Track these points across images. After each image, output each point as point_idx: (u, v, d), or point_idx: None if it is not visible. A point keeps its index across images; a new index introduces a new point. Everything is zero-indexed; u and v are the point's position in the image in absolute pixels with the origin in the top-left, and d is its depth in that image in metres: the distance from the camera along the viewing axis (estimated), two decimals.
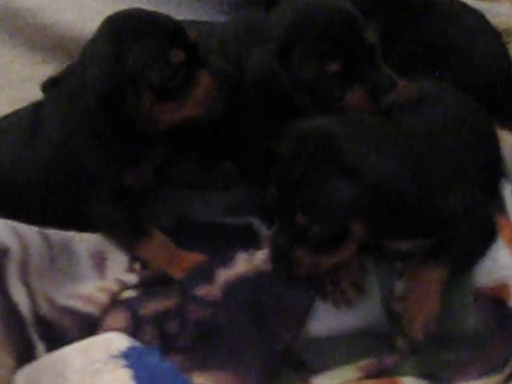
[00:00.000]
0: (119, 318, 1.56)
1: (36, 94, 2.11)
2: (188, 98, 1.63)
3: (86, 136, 1.64)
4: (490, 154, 1.74)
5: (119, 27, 1.61)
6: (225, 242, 1.72)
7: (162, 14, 1.66)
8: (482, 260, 1.59)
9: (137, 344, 1.43)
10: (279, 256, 1.53)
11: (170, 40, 1.60)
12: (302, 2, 1.69)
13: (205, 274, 1.60)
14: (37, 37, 2.20)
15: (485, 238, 1.61)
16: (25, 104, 1.95)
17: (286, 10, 1.70)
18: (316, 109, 1.64)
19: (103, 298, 1.58)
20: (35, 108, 1.78)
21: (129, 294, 1.61)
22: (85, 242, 1.69)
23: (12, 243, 1.55)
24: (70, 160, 1.67)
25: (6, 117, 1.86)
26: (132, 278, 1.64)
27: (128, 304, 1.58)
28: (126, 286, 1.62)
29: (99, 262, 1.68)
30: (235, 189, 1.93)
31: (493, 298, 1.58)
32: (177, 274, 1.65)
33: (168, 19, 1.65)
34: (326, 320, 1.57)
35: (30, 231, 1.60)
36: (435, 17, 2.02)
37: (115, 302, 1.58)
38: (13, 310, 1.51)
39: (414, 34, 1.98)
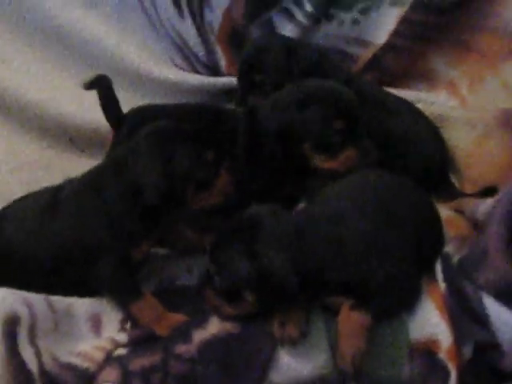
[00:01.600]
0: (112, 372, 1.63)
1: (42, 176, 2.24)
2: (216, 187, 1.84)
3: (106, 220, 1.77)
4: (426, 229, 1.82)
5: (164, 136, 1.79)
6: (200, 304, 1.77)
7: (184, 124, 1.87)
8: (415, 318, 1.68)
9: None
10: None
11: (204, 143, 1.82)
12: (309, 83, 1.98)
13: (183, 335, 1.68)
14: (43, 126, 2.31)
15: (404, 298, 1.71)
16: (34, 185, 2.04)
17: (292, 89, 1.98)
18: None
19: (99, 355, 1.67)
20: (54, 191, 1.87)
21: (120, 351, 1.68)
22: (84, 306, 1.76)
23: (23, 312, 1.65)
24: (86, 238, 1.77)
25: (22, 198, 1.93)
26: (123, 337, 1.71)
27: (119, 360, 1.65)
28: (118, 345, 1.70)
29: (96, 324, 1.75)
30: None
31: (425, 350, 1.66)
32: (161, 331, 1.73)
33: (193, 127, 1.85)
34: (287, 372, 1.64)
35: (38, 300, 1.70)
36: (383, 112, 2.14)
37: (109, 359, 1.66)
38: (23, 368, 1.60)
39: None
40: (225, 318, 1.70)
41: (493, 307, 1.63)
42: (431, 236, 1.85)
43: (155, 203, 1.75)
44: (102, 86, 2.08)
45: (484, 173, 2.13)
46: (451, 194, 2.12)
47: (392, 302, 1.70)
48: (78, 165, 2.24)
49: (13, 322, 1.63)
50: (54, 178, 2.10)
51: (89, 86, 2.07)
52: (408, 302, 1.72)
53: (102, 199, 1.78)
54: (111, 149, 2.12)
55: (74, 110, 2.31)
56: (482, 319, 1.64)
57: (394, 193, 1.83)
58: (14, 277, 1.79)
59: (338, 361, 1.64)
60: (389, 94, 2.22)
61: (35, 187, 1.96)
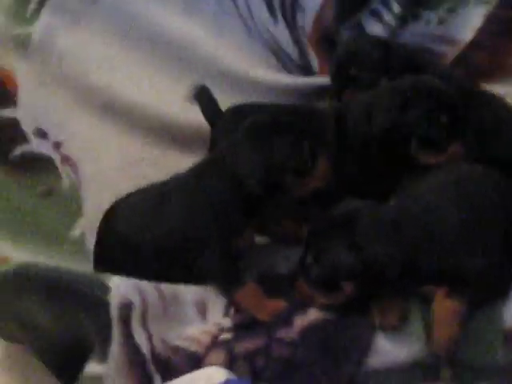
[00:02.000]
0: (218, 355, 1.68)
1: (150, 172, 2.27)
2: (314, 176, 1.85)
3: (211, 212, 1.80)
4: None
5: (262, 129, 1.83)
6: None
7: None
8: (509, 305, 1.67)
9: (232, 377, 1.57)
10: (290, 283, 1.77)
11: (300, 134, 1.84)
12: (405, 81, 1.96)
13: (285, 320, 1.71)
14: (148, 126, 2.36)
15: (498, 287, 1.70)
16: (141, 180, 2.07)
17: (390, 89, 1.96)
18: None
19: (206, 339, 1.71)
20: (161, 186, 1.92)
21: (225, 336, 1.72)
22: (190, 293, 1.80)
23: (136, 299, 1.71)
24: (192, 229, 1.82)
25: (131, 193, 1.98)
26: (227, 322, 1.75)
27: (225, 344, 1.69)
28: (223, 329, 1.73)
29: (202, 309, 1.78)
30: None
31: None
32: (263, 317, 1.76)
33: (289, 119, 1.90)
34: (384, 355, 1.66)
35: (149, 287, 1.75)
36: (480, 104, 2.08)
37: (215, 343, 1.70)
38: (136, 350, 1.67)
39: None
40: (319, 306, 1.71)
41: None
42: None
43: (258, 193, 1.78)
44: (202, 96, 2.18)
45: None
46: None
47: (486, 291, 1.68)
48: (181, 161, 2.23)
49: (127, 308, 1.69)
50: (160, 174, 2.12)
51: (193, 98, 2.18)
52: (502, 290, 1.70)
53: (205, 192, 1.82)
54: (210, 145, 2.17)
55: (176, 109, 2.35)
56: None
57: (484, 185, 1.82)
58: (126, 267, 1.85)
59: (433, 347, 1.64)
60: (482, 89, 2.20)
61: (143, 182, 2.00)
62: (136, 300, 1.71)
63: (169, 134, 2.37)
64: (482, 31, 2.32)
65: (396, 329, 1.67)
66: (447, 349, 1.64)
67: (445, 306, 1.64)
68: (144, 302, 1.72)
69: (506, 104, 2.14)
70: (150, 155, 2.35)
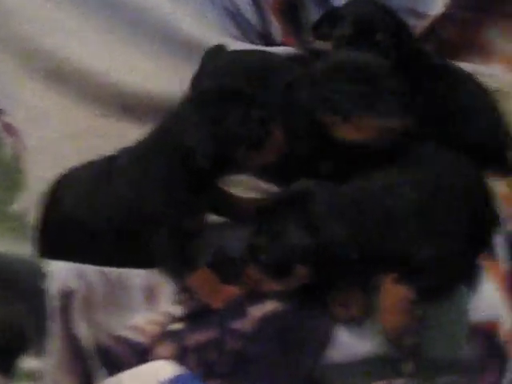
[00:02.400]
0: (167, 347, 1.53)
1: (98, 143, 2.11)
2: (267, 148, 1.66)
3: (161, 188, 1.64)
4: (479, 206, 1.68)
5: (210, 96, 1.65)
6: None
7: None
8: (476, 298, 1.56)
9: (182, 371, 1.44)
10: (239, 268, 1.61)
11: (252, 102, 1.65)
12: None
13: (239, 310, 1.58)
14: (99, 94, 2.18)
15: (454, 276, 1.59)
16: (90, 152, 1.91)
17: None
18: None
19: (153, 329, 1.56)
20: (108, 159, 1.76)
21: (175, 326, 1.58)
22: (138, 277, 1.65)
23: (76, 285, 1.54)
24: (140, 207, 1.66)
25: (78, 167, 1.82)
26: (178, 311, 1.61)
27: (175, 335, 1.55)
28: (173, 319, 1.59)
29: (150, 295, 1.64)
30: None
31: (485, 332, 1.55)
32: (217, 304, 1.62)
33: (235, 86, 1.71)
34: (344, 348, 1.54)
35: (93, 272, 1.59)
36: (449, 80, 1.98)
37: (164, 333, 1.56)
38: (76, 343, 1.51)
39: (430, 93, 1.93)
40: (271, 293, 1.58)
41: None
42: (485, 213, 1.70)
43: (205, 166, 1.59)
44: None
45: None
46: (509, 170, 1.96)
47: (440, 279, 1.56)
48: (133, 133, 2.01)
49: (67, 296, 1.53)
50: (111, 146, 1.96)
51: None
52: (459, 280, 1.59)
53: (153, 168, 1.65)
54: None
55: (130, 78, 2.18)
56: None
57: (446, 168, 1.69)
58: (69, 247, 1.69)
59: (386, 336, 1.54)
60: (454, 66, 2.06)
61: (91, 155, 1.85)
62: (78, 286, 1.55)
63: (120, 104, 2.19)
64: (452, 5, 2.18)
65: (357, 321, 1.56)
66: (396, 338, 1.53)
67: (391, 293, 1.53)
68: (87, 288, 1.56)
69: (478, 83, 2.02)
70: (99, 126, 2.18)
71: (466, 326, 1.55)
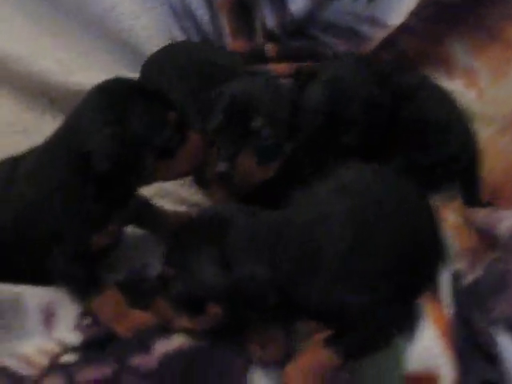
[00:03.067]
0: (55, 383, 1.28)
1: (19, 139, 1.91)
2: (182, 155, 1.45)
3: (61, 197, 1.40)
4: (424, 241, 1.45)
5: (115, 94, 1.40)
6: None
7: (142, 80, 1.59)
8: (413, 345, 1.32)
9: None
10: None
11: (163, 103, 1.43)
12: None
13: (143, 343, 1.34)
14: (23, 84, 1.97)
15: (384, 335, 1.34)
16: (9, 149, 1.69)
17: None
18: None
19: (43, 360, 1.32)
20: (14, 162, 1.52)
21: (68, 357, 1.34)
22: (36, 296, 1.42)
23: None
24: (41, 217, 1.42)
25: None
26: (75, 339, 1.37)
27: (66, 369, 1.31)
28: (66, 348, 1.35)
29: (47, 317, 1.41)
30: None
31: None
32: (123, 332, 1.39)
33: (151, 85, 1.51)
34: None
35: None
36: (421, 98, 1.79)
37: (54, 366, 1.32)
38: None
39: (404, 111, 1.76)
40: (181, 331, 1.35)
41: (506, 345, 1.28)
42: (429, 245, 1.47)
43: (104, 169, 1.35)
44: None
45: (495, 171, 1.77)
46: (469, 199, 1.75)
47: (368, 338, 1.32)
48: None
49: None
50: (31, 143, 1.74)
51: None
52: (395, 331, 1.34)
53: (54, 174, 1.41)
54: None
55: (57, 69, 1.96)
56: (492, 356, 1.29)
57: (383, 191, 1.44)
58: None
59: None
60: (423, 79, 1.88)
61: (11, 151, 1.62)
62: None
63: (46, 96, 1.99)
64: (413, 15, 1.97)
65: (278, 364, 1.31)
66: None
67: (315, 356, 1.30)
68: None
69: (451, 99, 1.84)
70: (21, 120, 1.97)
71: (398, 377, 1.31)
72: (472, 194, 1.74)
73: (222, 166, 1.49)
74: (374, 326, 1.32)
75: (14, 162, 1.52)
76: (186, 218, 1.61)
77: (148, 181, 1.49)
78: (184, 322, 1.33)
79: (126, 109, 1.37)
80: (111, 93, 1.41)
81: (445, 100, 1.84)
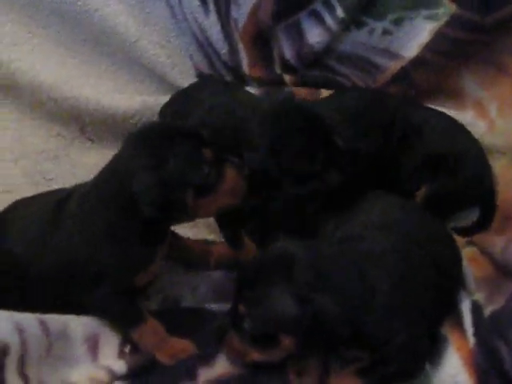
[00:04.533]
0: None
1: (49, 167, 1.97)
2: (221, 191, 1.49)
3: (109, 239, 1.47)
4: (448, 270, 1.55)
5: (153, 139, 1.45)
6: (209, 333, 1.51)
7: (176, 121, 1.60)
8: (439, 373, 1.42)
9: None
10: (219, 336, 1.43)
11: (198, 141, 1.47)
12: None
13: (188, 371, 1.42)
14: (55, 110, 2.03)
15: (413, 365, 1.42)
16: (38, 176, 1.84)
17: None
18: None
19: None
20: (59, 201, 1.56)
21: None
22: (81, 326, 1.49)
23: (13, 340, 1.35)
24: (87, 257, 1.48)
25: (27, 200, 1.64)
26: (121, 366, 1.45)
27: None
28: (115, 376, 1.43)
29: (92, 346, 1.48)
30: (220, 273, 1.74)
31: None
32: (164, 359, 1.48)
33: (185, 125, 1.56)
34: None
35: (31, 322, 1.41)
36: (432, 132, 1.88)
37: None
38: None
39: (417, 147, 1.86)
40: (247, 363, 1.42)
41: None
42: (451, 276, 1.57)
43: (151, 215, 1.41)
44: None
45: (507, 200, 1.86)
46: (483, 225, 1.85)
47: (401, 369, 1.40)
48: (87, 156, 2.03)
49: (1, 353, 1.33)
50: (61, 170, 1.93)
51: None
52: (425, 362, 1.44)
53: (102, 215, 1.47)
54: None
55: (88, 94, 2.03)
56: None
57: (416, 228, 1.56)
58: (9, 288, 1.53)
59: None
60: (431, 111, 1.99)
61: (39, 179, 1.72)
62: (14, 341, 1.35)
63: (77, 123, 2.05)
64: (427, 48, 2.05)
65: None
66: None
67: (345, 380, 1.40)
68: (23, 342, 1.37)
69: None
70: (51, 147, 2.03)
71: None
72: (488, 220, 1.84)
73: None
74: (411, 357, 1.40)
75: (61, 197, 1.56)
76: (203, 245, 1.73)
77: (190, 218, 1.56)
78: (257, 355, 1.39)
79: (164, 152, 1.42)
80: (149, 138, 1.46)
81: (457, 128, 1.94)
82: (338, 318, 1.32)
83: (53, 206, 1.55)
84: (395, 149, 1.85)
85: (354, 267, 1.40)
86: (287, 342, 1.34)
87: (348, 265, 1.40)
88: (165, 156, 1.42)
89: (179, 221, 1.56)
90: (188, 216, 1.52)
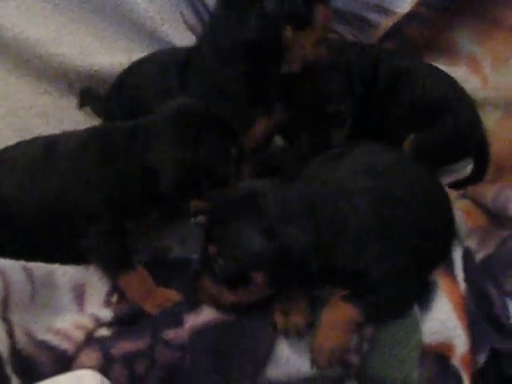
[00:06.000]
0: (92, 356, 1.35)
1: (37, 123, 1.96)
2: (230, 186, 1.52)
3: (103, 188, 1.49)
4: (439, 219, 1.54)
5: (192, 121, 1.49)
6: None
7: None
8: (429, 318, 1.41)
9: (107, 383, 1.26)
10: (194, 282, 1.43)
11: (230, 138, 1.52)
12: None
13: (174, 318, 1.40)
14: (42, 68, 1.99)
15: (402, 301, 1.43)
16: (27, 131, 1.80)
17: None
18: None
19: (79, 335, 1.38)
20: (47, 144, 1.57)
21: (103, 332, 1.40)
22: (67, 274, 1.48)
23: None
24: (78, 200, 1.49)
25: (11, 148, 1.63)
26: (107, 314, 1.44)
27: (101, 343, 1.37)
28: (100, 323, 1.42)
29: (79, 295, 1.47)
30: None
31: (437, 354, 1.41)
32: (150, 308, 1.46)
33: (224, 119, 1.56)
34: (286, 367, 1.38)
35: (14, 268, 1.40)
36: (419, 80, 1.87)
37: (90, 340, 1.38)
38: None
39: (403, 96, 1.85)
40: (223, 307, 1.40)
41: None
42: (442, 223, 1.56)
43: (168, 192, 1.45)
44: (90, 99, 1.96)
45: (504, 154, 1.85)
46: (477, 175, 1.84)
47: (387, 302, 1.40)
48: (74, 114, 2.00)
49: None
50: (49, 126, 1.92)
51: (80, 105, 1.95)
52: (413, 299, 1.43)
53: (106, 165, 1.49)
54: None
55: (75, 52, 1.99)
56: (504, 327, 1.38)
57: (401, 172, 1.55)
58: None
59: (313, 354, 1.37)
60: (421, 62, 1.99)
61: (28, 135, 1.69)
62: None
63: (64, 80, 2.02)
64: (419, 3, 2.02)
65: (301, 334, 1.39)
66: (327, 359, 1.36)
67: (338, 309, 1.38)
68: (6, 286, 1.36)
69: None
70: (39, 103, 2.00)
71: (417, 346, 1.40)
72: (482, 172, 1.82)
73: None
74: (394, 291, 1.39)
75: (49, 141, 1.57)
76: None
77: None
78: (230, 296, 1.38)
79: (199, 137, 1.46)
80: (188, 119, 1.49)
81: (446, 77, 1.93)
82: (307, 250, 1.33)
83: (41, 148, 1.56)
84: (381, 98, 1.83)
85: (326, 203, 1.40)
86: (259, 278, 1.34)
87: (319, 199, 1.40)
88: (198, 141, 1.46)
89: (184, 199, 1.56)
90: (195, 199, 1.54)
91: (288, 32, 1.60)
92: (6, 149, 1.64)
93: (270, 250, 1.31)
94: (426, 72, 1.91)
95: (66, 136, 1.59)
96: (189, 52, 1.77)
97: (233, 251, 1.34)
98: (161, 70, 1.76)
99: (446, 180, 1.85)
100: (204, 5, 2.08)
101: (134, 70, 1.87)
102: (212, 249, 1.37)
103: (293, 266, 1.33)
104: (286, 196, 1.38)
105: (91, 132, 1.58)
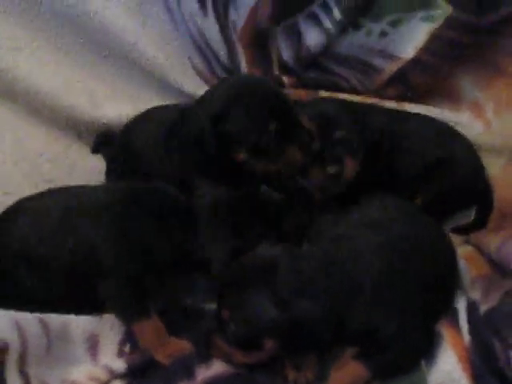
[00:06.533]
0: None
1: (48, 169, 1.99)
2: (277, 162, 1.66)
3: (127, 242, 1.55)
4: (444, 270, 1.58)
5: (231, 90, 1.65)
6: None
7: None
8: (435, 370, 1.44)
9: None
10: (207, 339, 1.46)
11: (269, 111, 1.63)
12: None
13: (187, 370, 1.44)
14: (52, 117, 2.03)
15: (411, 357, 1.46)
16: (37, 178, 1.88)
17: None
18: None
19: None
20: (73, 195, 1.63)
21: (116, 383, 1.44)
22: (81, 325, 1.51)
23: (12, 339, 1.38)
24: (103, 250, 1.54)
25: (41, 196, 1.66)
26: (120, 366, 1.47)
27: None
28: (114, 375, 1.45)
29: (92, 346, 1.50)
30: None
31: None
32: (162, 358, 1.50)
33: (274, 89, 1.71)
34: None
35: (31, 321, 1.44)
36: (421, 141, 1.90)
37: None
38: None
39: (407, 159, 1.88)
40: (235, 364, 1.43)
41: None
42: (446, 275, 1.59)
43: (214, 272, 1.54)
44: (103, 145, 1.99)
45: (508, 200, 1.89)
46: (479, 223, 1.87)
47: (396, 359, 1.43)
48: (85, 160, 2.04)
49: (1, 351, 1.36)
50: (60, 172, 1.96)
51: (95, 149, 1.98)
52: (420, 355, 1.46)
53: (134, 227, 1.56)
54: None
55: (85, 102, 2.04)
56: (508, 380, 1.41)
57: (409, 223, 1.59)
58: (14, 278, 1.55)
59: None
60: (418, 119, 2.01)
61: (38, 180, 1.78)
62: (13, 340, 1.38)
63: (74, 129, 2.06)
64: (423, 50, 2.07)
65: None
66: None
67: (349, 368, 1.41)
68: (23, 341, 1.40)
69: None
70: (50, 150, 2.04)
71: None
72: (485, 219, 1.85)
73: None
74: (404, 347, 1.42)
75: (71, 194, 1.63)
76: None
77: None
78: (239, 357, 1.41)
79: (230, 108, 1.61)
80: (228, 89, 1.67)
81: (447, 132, 1.97)
82: (318, 322, 1.36)
83: (67, 197, 1.62)
84: (386, 162, 1.87)
85: (339, 267, 1.43)
86: (270, 344, 1.37)
87: (332, 265, 1.43)
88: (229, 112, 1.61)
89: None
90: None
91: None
92: (31, 197, 1.66)
93: (282, 320, 1.35)
94: (426, 132, 1.93)
95: (97, 189, 1.66)
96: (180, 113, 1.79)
97: (245, 318, 1.37)
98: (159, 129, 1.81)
99: (449, 225, 1.88)
100: (212, 51, 2.13)
101: (132, 129, 1.93)
102: (225, 313, 1.40)
103: (304, 335, 1.36)
104: (298, 265, 1.41)
105: (118, 190, 1.64)
